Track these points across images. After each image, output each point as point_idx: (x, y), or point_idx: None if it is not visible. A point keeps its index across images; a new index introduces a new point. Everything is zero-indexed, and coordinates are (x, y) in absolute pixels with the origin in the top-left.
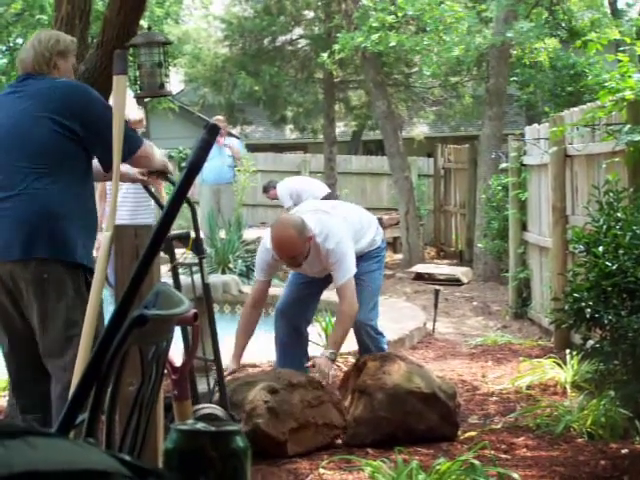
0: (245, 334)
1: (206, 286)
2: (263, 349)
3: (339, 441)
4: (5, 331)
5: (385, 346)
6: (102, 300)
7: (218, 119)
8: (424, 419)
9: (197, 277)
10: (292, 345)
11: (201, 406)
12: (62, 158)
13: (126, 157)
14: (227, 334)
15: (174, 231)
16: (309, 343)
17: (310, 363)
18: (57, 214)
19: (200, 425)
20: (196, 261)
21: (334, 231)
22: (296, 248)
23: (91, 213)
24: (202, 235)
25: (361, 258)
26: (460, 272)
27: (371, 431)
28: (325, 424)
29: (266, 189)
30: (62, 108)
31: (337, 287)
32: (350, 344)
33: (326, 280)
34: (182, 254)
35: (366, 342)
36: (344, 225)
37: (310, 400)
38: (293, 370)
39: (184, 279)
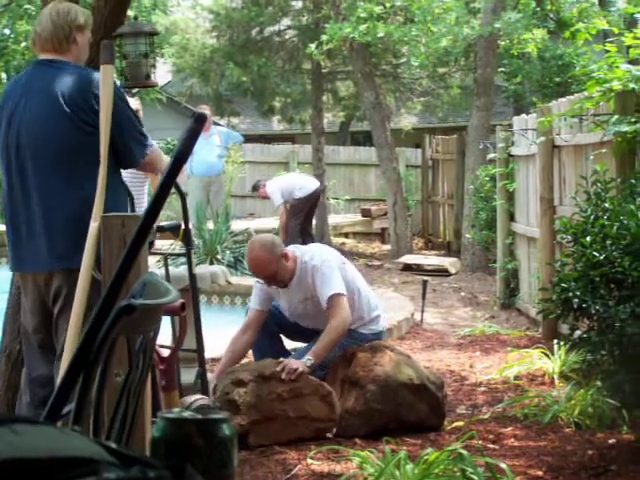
0: (231, 358)
1: (193, 277)
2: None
3: (329, 435)
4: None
5: None
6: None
7: (204, 108)
8: (414, 410)
9: (183, 268)
10: (267, 345)
11: (194, 397)
12: (88, 154)
13: (135, 162)
14: (214, 325)
15: (163, 222)
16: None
17: (281, 360)
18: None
19: (187, 413)
20: (183, 251)
21: (321, 251)
22: (268, 266)
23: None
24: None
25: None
26: (448, 263)
27: (363, 423)
28: (301, 417)
29: (255, 188)
30: (83, 103)
31: (327, 306)
32: None
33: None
34: (170, 244)
35: None
36: (336, 258)
37: (280, 393)
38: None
39: (172, 269)
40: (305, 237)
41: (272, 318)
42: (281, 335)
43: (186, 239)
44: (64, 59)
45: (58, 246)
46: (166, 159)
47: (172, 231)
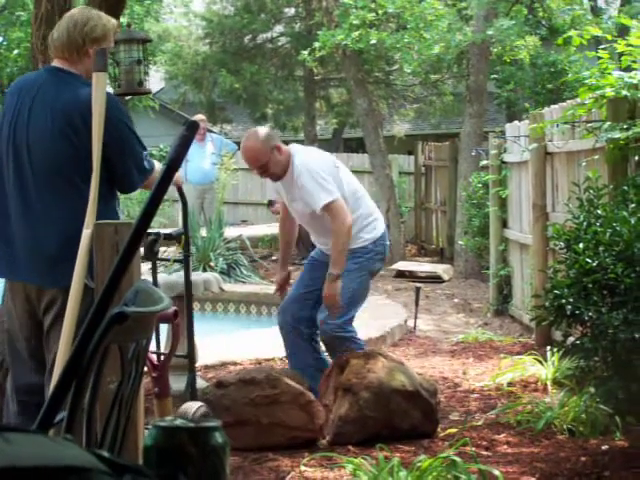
0: (287, 243)
1: (189, 283)
2: (245, 347)
3: (324, 441)
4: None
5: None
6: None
7: (201, 118)
8: (408, 417)
9: (177, 274)
10: (294, 342)
11: (195, 405)
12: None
13: (132, 188)
14: (208, 332)
15: (158, 229)
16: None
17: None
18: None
19: (179, 421)
20: (180, 257)
21: (311, 159)
22: (260, 156)
23: None
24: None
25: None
26: (441, 269)
27: (357, 430)
28: (275, 424)
29: (271, 203)
30: (82, 124)
31: (321, 210)
32: None
33: None
34: (163, 251)
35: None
36: (327, 164)
37: (254, 398)
38: (296, 368)
39: (165, 276)
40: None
41: (305, 323)
42: (317, 340)
43: (185, 246)
44: (74, 70)
45: (53, 260)
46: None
47: (178, 238)
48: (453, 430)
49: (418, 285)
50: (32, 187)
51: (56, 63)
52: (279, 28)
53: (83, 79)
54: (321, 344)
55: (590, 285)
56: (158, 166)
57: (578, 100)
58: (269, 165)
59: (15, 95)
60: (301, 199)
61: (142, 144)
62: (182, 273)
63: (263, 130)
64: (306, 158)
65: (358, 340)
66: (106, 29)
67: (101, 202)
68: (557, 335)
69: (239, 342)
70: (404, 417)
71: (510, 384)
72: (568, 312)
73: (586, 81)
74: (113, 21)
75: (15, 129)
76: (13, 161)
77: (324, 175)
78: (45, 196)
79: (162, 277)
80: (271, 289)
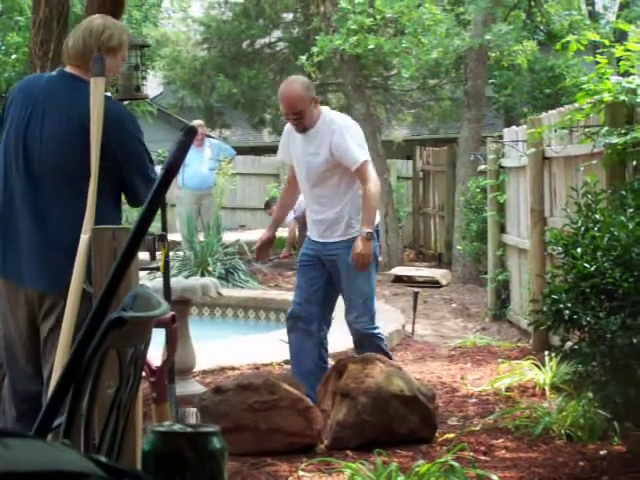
0: (282, 206)
1: (168, 290)
2: (243, 352)
3: (322, 445)
4: None
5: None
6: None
7: (199, 123)
8: (406, 422)
9: (175, 280)
10: (302, 346)
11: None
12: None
13: (139, 202)
14: (206, 337)
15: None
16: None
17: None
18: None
19: (177, 426)
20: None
21: (347, 119)
22: (299, 102)
23: None
24: (180, 238)
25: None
26: (439, 274)
27: (355, 435)
28: (273, 430)
29: (268, 205)
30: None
31: (355, 171)
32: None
33: (329, 274)
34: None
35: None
36: (360, 133)
37: (252, 404)
38: (298, 374)
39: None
40: None
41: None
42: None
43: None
44: (86, 78)
45: (56, 265)
46: None
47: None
48: (451, 435)
49: (416, 290)
50: (41, 189)
51: (69, 69)
52: (277, 33)
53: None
54: (328, 351)
55: (588, 290)
56: None
57: (576, 105)
58: (305, 113)
59: (23, 95)
60: (332, 155)
61: (151, 159)
62: (180, 278)
63: (306, 80)
64: (347, 121)
65: (382, 335)
66: (122, 39)
67: (104, 213)
68: (555, 340)
69: (237, 347)
70: (402, 422)
71: (508, 389)
72: (566, 317)
73: (584, 86)
74: (128, 30)
75: (27, 129)
76: (24, 160)
77: (361, 139)
78: (52, 199)
79: (158, 282)
80: (269, 294)
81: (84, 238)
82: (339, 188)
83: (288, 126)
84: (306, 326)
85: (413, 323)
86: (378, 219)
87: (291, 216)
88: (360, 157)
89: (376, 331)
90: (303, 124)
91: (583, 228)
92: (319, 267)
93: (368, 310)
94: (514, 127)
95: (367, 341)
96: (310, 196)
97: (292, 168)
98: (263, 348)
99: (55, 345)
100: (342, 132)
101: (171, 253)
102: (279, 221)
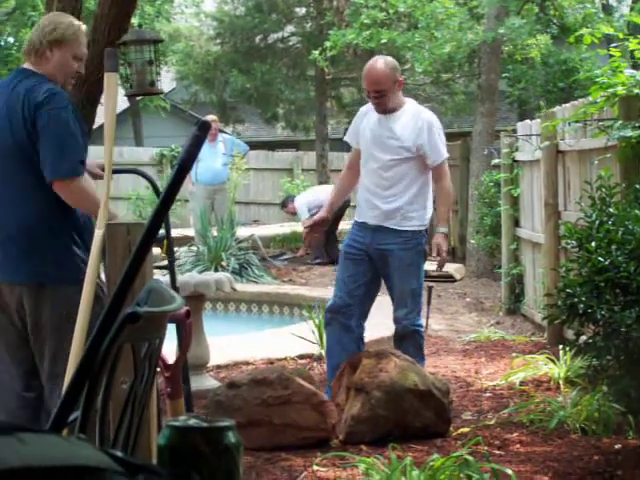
0: (340, 190)
1: (176, 290)
2: (257, 347)
3: (336, 441)
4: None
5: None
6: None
7: (213, 119)
8: (420, 416)
9: (188, 275)
10: (339, 341)
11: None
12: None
13: (46, 176)
14: (220, 332)
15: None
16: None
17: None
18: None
19: (192, 421)
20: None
21: (432, 113)
22: (384, 80)
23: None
24: (193, 233)
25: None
26: (453, 269)
27: (370, 430)
28: (287, 424)
29: (284, 204)
30: (29, 116)
31: (435, 167)
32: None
33: (375, 270)
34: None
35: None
36: None
37: (267, 398)
38: (333, 369)
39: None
40: (329, 248)
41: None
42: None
43: (168, 250)
44: (38, 71)
45: (17, 254)
46: (94, 201)
47: (160, 243)
48: (466, 429)
49: (430, 284)
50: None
51: (24, 65)
52: (290, 28)
53: (42, 78)
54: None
55: (602, 284)
56: (91, 183)
57: (590, 98)
58: (387, 93)
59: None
60: (414, 144)
61: (80, 151)
62: (193, 273)
63: (393, 60)
64: (434, 116)
65: (423, 333)
66: (67, 34)
67: (33, 192)
68: (569, 334)
69: (251, 342)
70: (416, 416)
71: (522, 383)
72: (580, 311)
73: (598, 79)
74: (77, 24)
75: None
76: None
77: (443, 136)
78: (7, 186)
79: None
80: (283, 289)
81: (98, 233)
82: (404, 178)
83: (364, 108)
84: (346, 320)
85: (427, 317)
86: (429, 214)
87: (306, 215)
88: (445, 154)
89: (421, 328)
90: (384, 104)
91: (597, 222)
92: (366, 262)
93: (416, 306)
94: (528, 121)
95: (410, 337)
96: (374, 179)
97: (355, 152)
98: (277, 343)
99: (43, 343)
100: (432, 126)
101: (185, 248)
102: (335, 205)
